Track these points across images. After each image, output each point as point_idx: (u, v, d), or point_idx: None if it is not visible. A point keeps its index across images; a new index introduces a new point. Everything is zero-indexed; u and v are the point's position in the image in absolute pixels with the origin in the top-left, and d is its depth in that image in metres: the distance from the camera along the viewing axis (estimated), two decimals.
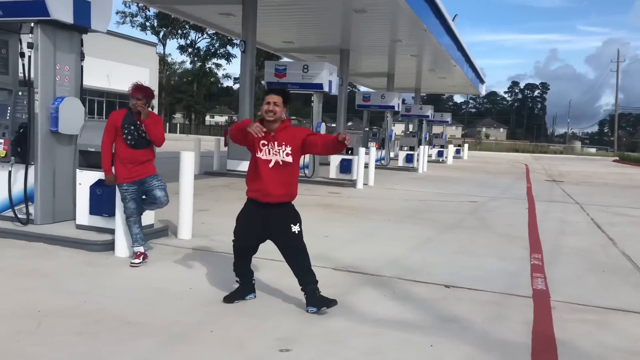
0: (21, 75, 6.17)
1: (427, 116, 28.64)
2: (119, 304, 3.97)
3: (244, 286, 4.22)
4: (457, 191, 13.20)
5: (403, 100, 24.64)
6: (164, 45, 61.61)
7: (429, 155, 24.38)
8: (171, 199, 5.38)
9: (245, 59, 14.63)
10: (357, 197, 11.04)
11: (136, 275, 4.73)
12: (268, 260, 5.44)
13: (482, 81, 34.80)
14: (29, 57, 5.86)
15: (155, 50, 48.66)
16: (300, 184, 13.54)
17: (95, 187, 5.68)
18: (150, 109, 5.05)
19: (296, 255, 4.05)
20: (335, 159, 13.82)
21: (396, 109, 21.98)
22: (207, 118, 75.29)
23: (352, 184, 13.06)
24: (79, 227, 5.89)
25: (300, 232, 4.03)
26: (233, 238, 4.15)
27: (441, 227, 7.93)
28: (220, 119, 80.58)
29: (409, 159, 20.40)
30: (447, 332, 3.74)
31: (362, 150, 13.10)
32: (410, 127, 31.60)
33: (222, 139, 15.14)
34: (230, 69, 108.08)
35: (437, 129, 37.79)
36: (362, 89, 39.17)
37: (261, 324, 3.73)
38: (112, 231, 5.48)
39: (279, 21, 17.61)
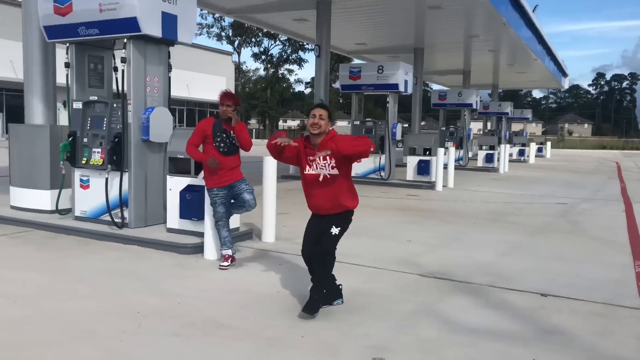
0: (115, 88, 6.52)
1: (507, 113, 27.55)
2: (211, 306, 4.07)
3: (330, 292, 4.19)
4: (543, 192, 12.56)
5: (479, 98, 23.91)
6: (239, 54, 63.41)
7: (510, 155, 23.43)
8: None
9: (320, 63, 14.70)
10: (437, 200, 10.78)
11: (225, 278, 4.84)
12: (354, 265, 5.41)
13: (564, 74, 33.06)
14: (122, 70, 6.18)
15: (230, 59, 50.20)
16: (376, 187, 13.41)
17: (185, 192, 5.88)
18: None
19: (320, 261, 3.97)
20: (412, 160, 13.59)
21: (474, 106, 21.34)
22: (280, 123, 76.73)
23: (431, 185, 12.77)
24: (170, 230, 6.13)
25: (337, 236, 3.96)
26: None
27: (530, 231, 7.55)
28: (293, 123, 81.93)
29: (489, 158, 19.70)
30: (550, 344, 3.52)
31: (440, 150, 12.78)
32: (489, 125, 30.53)
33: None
34: (301, 74, 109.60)
35: (516, 127, 36.30)
36: (435, 87, 38.35)
37: (351, 330, 3.68)
38: (201, 234, 5.65)
39: (352, 24, 17.59)
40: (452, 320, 3.95)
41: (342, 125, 57.45)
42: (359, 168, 13.71)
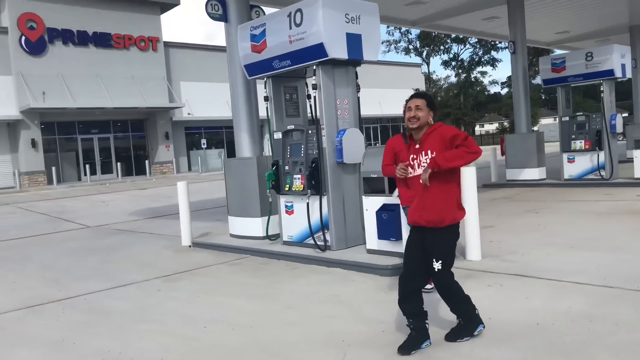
0: (309, 114, 6.77)
1: None
2: None
3: (420, 330, 3.57)
4: None
5: None
6: (428, 64, 62.88)
7: None
8: None
9: (516, 59, 13.68)
10: None
11: (429, 303, 4.51)
12: (579, 284, 4.67)
13: None
14: (314, 97, 6.38)
15: (420, 71, 50.04)
16: (596, 189, 11.79)
17: (381, 212, 5.77)
18: None
19: (444, 297, 3.60)
20: None
21: None
22: (477, 128, 73.77)
23: None
24: (369, 251, 6.06)
25: (442, 271, 3.47)
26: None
27: None
28: (490, 127, 78.06)
29: None
30: None
31: None
32: None
33: (499, 147, 14.34)
34: (495, 75, 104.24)
35: None
36: None
37: None
38: (400, 254, 5.43)
39: (549, 12, 16.01)
40: None
41: (548, 123, 52.78)
42: (573, 169, 12.23)
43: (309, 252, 6.44)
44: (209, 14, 7.59)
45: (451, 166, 3.37)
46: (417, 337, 3.51)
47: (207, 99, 31.60)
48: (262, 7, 8.38)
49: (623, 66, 11.99)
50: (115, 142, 30.44)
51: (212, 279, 6.00)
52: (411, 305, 3.53)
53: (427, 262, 3.51)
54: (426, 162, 3.47)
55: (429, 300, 4.44)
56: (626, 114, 32.22)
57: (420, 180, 3.44)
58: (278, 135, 6.92)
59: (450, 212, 3.50)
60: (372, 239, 6.01)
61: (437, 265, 3.47)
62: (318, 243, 6.37)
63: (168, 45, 31.43)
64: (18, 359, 3.97)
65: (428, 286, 4.79)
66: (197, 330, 4.24)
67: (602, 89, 12.00)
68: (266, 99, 7.02)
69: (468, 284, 4.95)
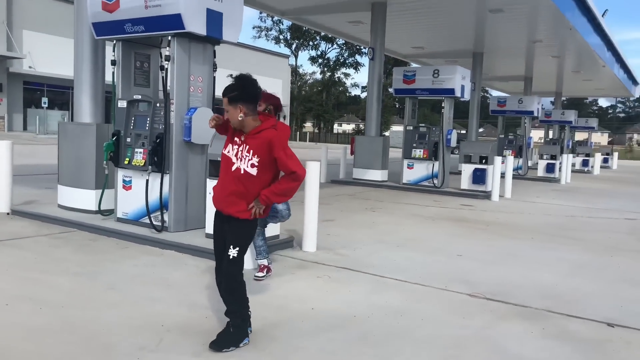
0: (160, 87, 6.42)
1: (570, 122, 26.22)
2: None
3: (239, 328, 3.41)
4: (609, 206, 11.67)
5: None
6: (296, 57, 63.69)
7: (572, 165, 22.19)
8: (297, 209, 5.19)
9: (374, 66, 14.40)
10: (493, 211, 10.18)
11: (259, 290, 4.57)
12: (397, 281, 5.03)
13: (635, 82, 31.13)
14: (167, 69, 6.06)
15: (287, 62, 50.53)
16: (428, 195, 12.81)
17: None
18: (283, 119, 4.87)
19: (226, 288, 3.32)
20: (467, 169, 12.97)
21: (535, 114, 20.38)
22: (335, 126, 76.75)
23: (487, 195, 12.13)
24: (208, 235, 5.93)
25: (237, 259, 3.26)
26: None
27: (595, 249, 6.91)
28: (348, 127, 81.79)
29: (550, 168, 18.69)
30: None
31: (497, 159, 12.12)
32: (550, 133, 29.17)
33: (349, 147, 15.02)
34: (358, 78, 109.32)
35: (580, 136, 34.61)
36: (495, 93, 37.15)
37: (391, 356, 3.32)
38: None
39: (408, 26, 17.15)
40: (503, 351, 3.51)
41: (398, 130, 56.69)
42: (411, 175, 13.24)
43: (143, 231, 6.12)
44: None
45: (281, 201, 3.34)
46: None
47: (54, 54, 28.56)
48: None
49: (463, 87, 13.23)
50: None
51: (27, 252, 5.41)
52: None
53: (225, 248, 3.30)
54: (244, 158, 3.22)
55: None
56: (464, 131, 35.83)
57: (253, 211, 3.27)
58: (122, 104, 6.45)
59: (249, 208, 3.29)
60: (212, 224, 5.88)
61: (233, 253, 3.25)
62: (154, 223, 6.08)
63: None
64: None
65: (259, 274, 4.85)
66: None
67: (443, 105, 13.14)
68: (113, 63, 6.51)
69: (299, 273, 5.13)
